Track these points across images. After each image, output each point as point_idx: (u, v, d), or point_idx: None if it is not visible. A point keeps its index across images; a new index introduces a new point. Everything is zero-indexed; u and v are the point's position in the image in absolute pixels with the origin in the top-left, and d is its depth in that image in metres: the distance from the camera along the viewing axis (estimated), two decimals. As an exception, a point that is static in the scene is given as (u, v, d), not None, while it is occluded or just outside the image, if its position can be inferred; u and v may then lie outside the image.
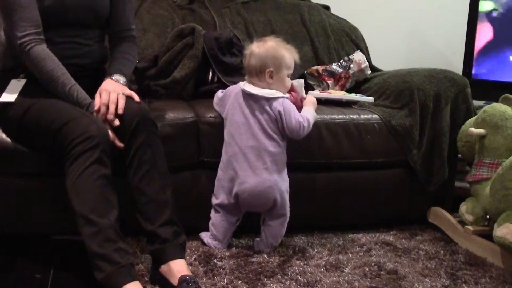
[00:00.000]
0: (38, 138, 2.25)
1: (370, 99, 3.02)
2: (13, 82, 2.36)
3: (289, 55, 2.53)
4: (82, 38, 2.48)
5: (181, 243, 2.20)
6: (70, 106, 2.23)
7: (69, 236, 2.53)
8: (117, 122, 2.22)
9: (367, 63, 3.30)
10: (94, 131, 2.08)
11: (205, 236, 2.56)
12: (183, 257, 2.18)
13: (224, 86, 2.76)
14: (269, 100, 2.47)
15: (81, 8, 2.43)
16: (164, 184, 2.23)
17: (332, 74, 3.21)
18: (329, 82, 3.19)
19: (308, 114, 2.53)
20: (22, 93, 2.31)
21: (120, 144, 2.21)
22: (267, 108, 2.46)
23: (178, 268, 2.11)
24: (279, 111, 2.46)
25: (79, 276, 2.25)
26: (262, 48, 2.51)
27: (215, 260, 2.38)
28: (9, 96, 2.30)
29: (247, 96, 2.49)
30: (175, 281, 2.06)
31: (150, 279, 2.20)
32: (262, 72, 2.49)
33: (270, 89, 2.49)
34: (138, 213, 2.20)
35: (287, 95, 2.54)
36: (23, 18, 2.27)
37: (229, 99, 2.56)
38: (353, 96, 3.04)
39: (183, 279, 2.05)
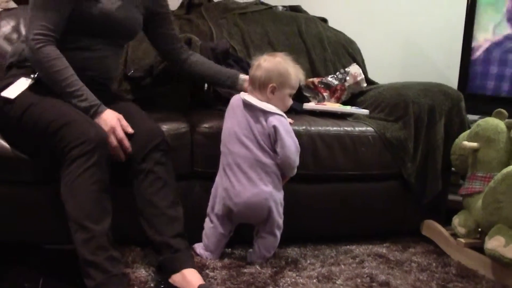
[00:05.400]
0: (35, 139, 2.24)
1: (366, 111, 3.03)
2: (22, 80, 2.34)
3: (295, 75, 2.52)
4: (112, 51, 2.52)
5: (192, 255, 2.24)
6: (71, 108, 2.21)
7: (60, 245, 2.55)
8: (130, 130, 2.29)
9: (363, 76, 3.31)
10: (91, 134, 2.08)
11: (197, 246, 2.56)
12: (195, 267, 2.20)
13: (220, 97, 2.78)
14: (266, 113, 2.45)
15: (127, 23, 2.49)
16: (176, 202, 2.28)
17: (328, 86, 3.22)
18: (324, 94, 3.20)
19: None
20: (25, 92, 2.29)
21: (127, 144, 2.26)
22: (262, 120, 2.44)
23: (192, 277, 2.13)
24: (274, 126, 2.42)
25: (69, 286, 2.24)
26: (269, 62, 2.49)
27: (207, 271, 2.38)
28: (11, 93, 2.28)
29: (245, 106, 2.48)
30: None
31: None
32: (265, 86, 2.47)
33: (269, 104, 2.48)
34: (146, 224, 2.22)
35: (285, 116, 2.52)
36: (46, 19, 2.25)
37: (229, 108, 2.55)
38: (348, 109, 3.05)
39: (204, 286, 2.07)
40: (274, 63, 2.49)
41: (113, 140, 2.23)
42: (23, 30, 3.05)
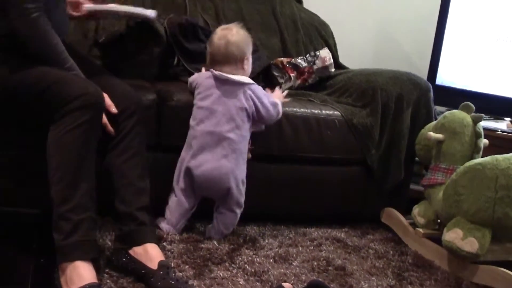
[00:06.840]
0: (21, 93, 2.11)
1: (152, 12, 2.83)
2: None
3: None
4: (63, 8, 2.43)
5: (155, 230, 2.23)
6: (59, 70, 2.13)
7: (14, 207, 2.47)
8: (114, 110, 2.21)
9: (332, 61, 3.28)
10: (91, 90, 2.02)
11: (160, 220, 2.54)
12: (157, 243, 2.17)
13: (187, 71, 2.76)
14: (244, 85, 2.50)
15: None
16: (145, 173, 2.23)
17: (296, 67, 3.20)
18: (291, 74, 3.18)
19: (275, 98, 2.62)
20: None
21: (111, 129, 2.19)
22: (241, 94, 2.48)
23: (155, 252, 2.09)
24: (256, 95, 2.50)
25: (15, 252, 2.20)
26: (237, 35, 2.54)
27: (164, 243, 2.36)
28: None
29: (220, 82, 2.50)
30: (152, 265, 2.03)
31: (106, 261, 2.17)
32: (241, 60, 2.53)
33: (242, 75, 2.53)
34: (115, 194, 2.16)
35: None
36: None
37: (199, 85, 2.56)
38: (132, 9, 2.86)
39: (163, 264, 2.04)
40: (241, 35, 2.57)
41: None
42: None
